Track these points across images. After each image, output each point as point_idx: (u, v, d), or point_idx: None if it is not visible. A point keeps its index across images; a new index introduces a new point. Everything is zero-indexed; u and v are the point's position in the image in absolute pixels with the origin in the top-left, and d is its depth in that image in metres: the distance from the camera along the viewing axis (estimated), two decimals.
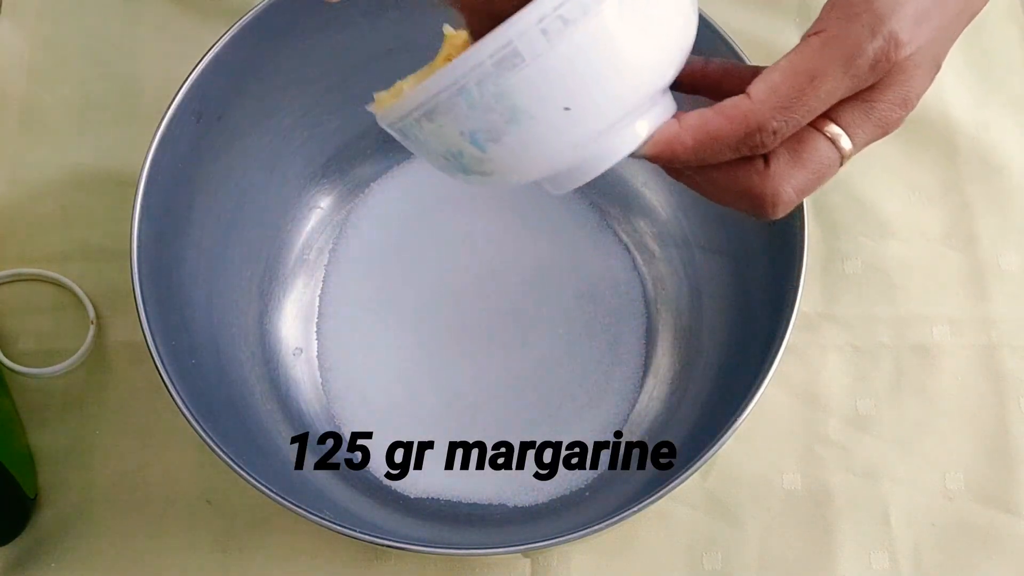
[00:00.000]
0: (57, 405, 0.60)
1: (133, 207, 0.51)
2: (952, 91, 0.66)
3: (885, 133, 0.41)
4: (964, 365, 0.60)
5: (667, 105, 0.41)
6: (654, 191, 0.62)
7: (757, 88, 0.39)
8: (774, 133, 0.39)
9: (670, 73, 0.39)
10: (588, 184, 0.66)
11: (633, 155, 0.40)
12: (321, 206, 0.63)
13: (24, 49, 0.68)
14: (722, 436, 0.47)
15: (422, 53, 0.59)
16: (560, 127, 0.38)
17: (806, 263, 0.50)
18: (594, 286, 0.61)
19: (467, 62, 0.36)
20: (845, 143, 0.40)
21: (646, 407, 0.59)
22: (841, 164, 0.41)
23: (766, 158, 0.40)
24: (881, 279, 0.62)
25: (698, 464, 0.46)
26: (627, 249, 0.62)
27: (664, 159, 0.40)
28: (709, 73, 0.42)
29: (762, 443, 0.58)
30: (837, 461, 0.58)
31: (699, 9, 0.42)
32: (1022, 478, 0.58)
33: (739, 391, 0.49)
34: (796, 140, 0.40)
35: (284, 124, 0.59)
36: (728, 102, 0.39)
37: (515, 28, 0.36)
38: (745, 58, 0.52)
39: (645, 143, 0.40)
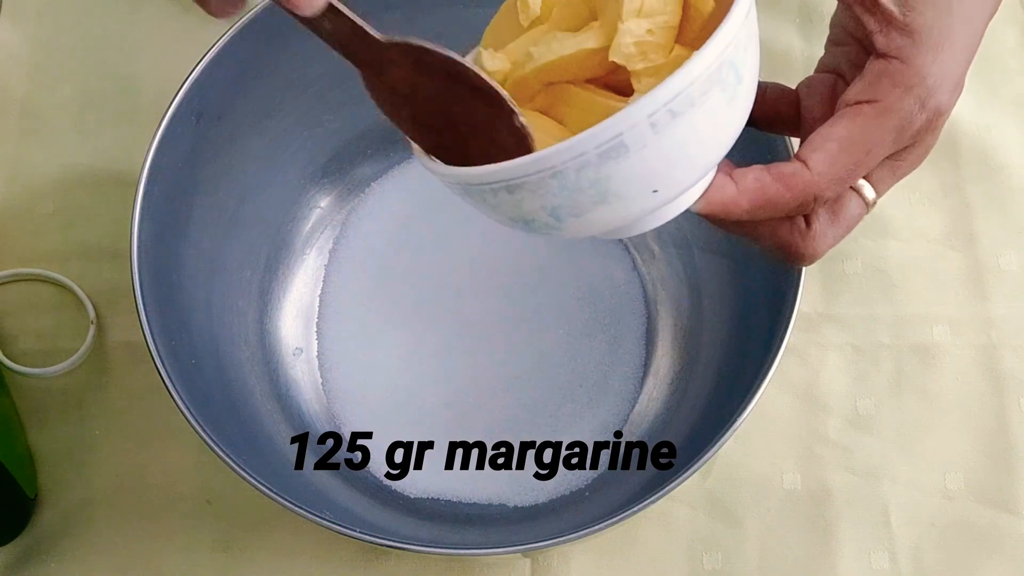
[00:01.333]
0: (57, 405, 0.60)
1: (133, 207, 0.51)
2: None
3: (897, 182, 0.43)
4: (964, 365, 0.60)
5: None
6: None
7: (817, 159, 0.40)
8: (826, 201, 0.40)
9: (726, 151, 0.40)
10: None
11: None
12: (321, 206, 0.63)
13: (24, 49, 0.68)
14: (722, 436, 0.47)
15: None
16: (644, 205, 0.38)
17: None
18: (594, 286, 0.61)
19: (571, 151, 0.36)
20: (871, 196, 0.42)
21: (646, 407, 0.59)
22: (867, 211, 0.43)
23: (807, 218, 0.42)
24: (881, 279, 0.62)
25: (698, 464, 0.46)
26: (627, 249, 0.62)
27: (716, 218, 0.41)
28: (768, 99, 0.43)
29: (762, 443, 0.58)
30: (837, 461, 0.58)
31: None
32: (1022, 478, 0.58)
33: (739, 391, 0.49)
34: (834, 200, 0.42)
35: (284, 124, 0.59)
36: (787, 169, 0.40)
37: (627, 121, 0.36)
38: None
39: (699, 200, 0.41)
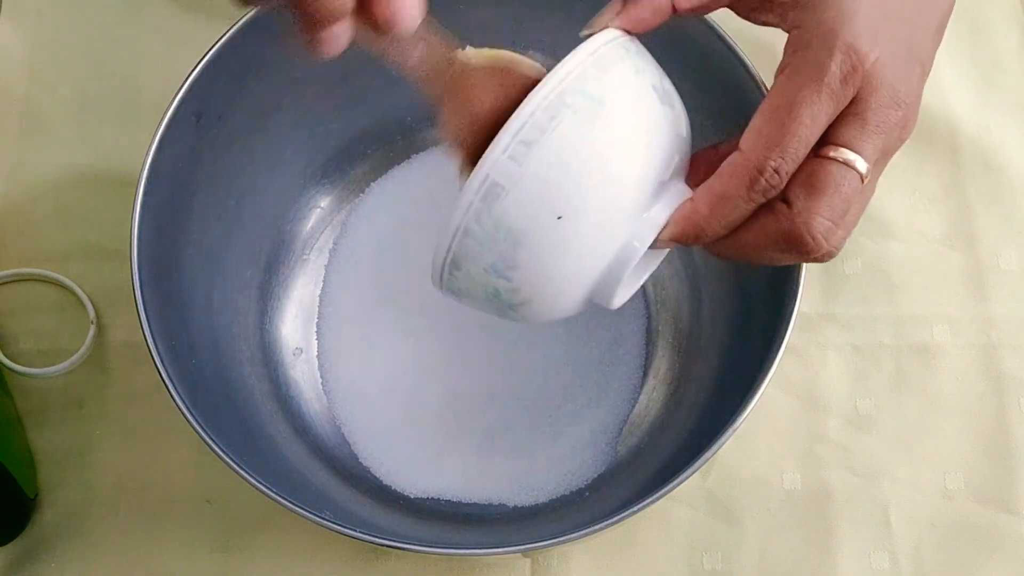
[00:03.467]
0: (57, 405, 0.60)
1: (133, 207, 0.51)
2: (953, 92, 0.66)
3: (894, 138, 0.42)
4: (964, 365, 0.60)
5: (678, 192, 0.42)
6: None
7: (745, 139, 0.41)
8: (776, 172, 0.40)
9: (656, 165, 0.41)
10: None
11: (659, 245, 0.42)
12: (321, 206, 0.63)
13: (24, 49, 0.68)
14: (722, 436, 0.47)
15: None
16: (560, 236, 0.40)
17: (806, 263, 0.50)
18: None
19: (460, 206, 0.40)
20: (856, 161, 0.41)
21: (646, 407, 0.59)
22: (863, 181, 0.41)
23: (785, 199, 0.41)
24: (881, 279, 0.62)
25: (698, 464, 0.46)
26: None
27: (691, 236, 0.42)
28: (723, 155, 0.43)
29: (762, 443, 0.58)
30: (837, 461, 0.58)
31: None
32: (1022, 478, 0.58)
33: (739, 391, 0.49)
34: (807, 174, 0.41)
35: (284, 124, 0.59)
36: (725, 162, 0.41)
37: (487, 162, 0.39)
38: (745, 58, 0.52)
39: (664, 229, 0.42)
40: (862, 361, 0.60)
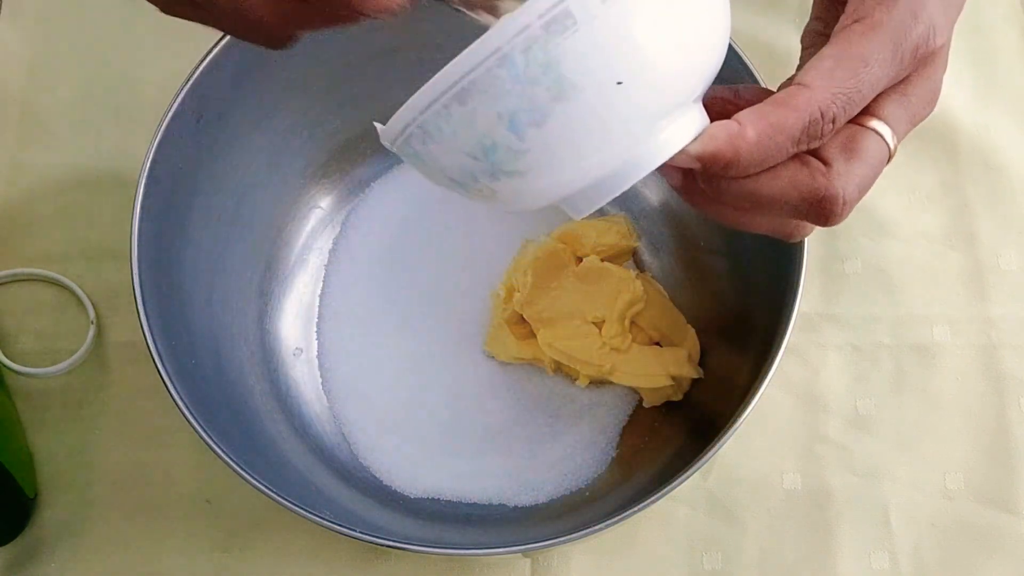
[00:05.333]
0: (57, 405, 0.60)
1: (133, 207, 0.51)
2: (953, 92, 0.66)
3: (915, 125, 0.41)
4: (964, 365, 0.60)
5: (703, 116, 0.38)
6: (654, 191, 0.62)
7: (811, 75, 0.37)
8: (832, 121, 0.37)
9: (714, 66, 0.37)
10: None
11: (678, 160, 0.37)
12: (321, 206, 0.63)
13: (24, 49, 0.68)
14: (722, 436, 0.47)
15: (422, 53, 0.59)
16: (607, 104, 0.34)
17: (806, 263, 0.50)
18: None
19: (513, 25, 0.33)
20: (890, 136, 0.39)
21: (646, 407, 0.59)
22: (888, 160, 0.40)
23: (821, 157, 0.38)
24: (881, 279, 0.62)
25: (698, 464, 0.46)
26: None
27: (722, 160, 0.37)
28: (742, 104, 0.40)
29: (762, 443, 0.58)
30: (837, 461, 0.58)
31: None
32: (1022, 478, 0.58)
33: (739, 391, 0.49)
34: (846, 138, 0.39)
35: (284, 124, 0.59)
36: (784, 92, 0.37)
37: None
38: (745, 58, 0.52)
39: (693, 142, 0.37)
40: (862, 361, 0.60)
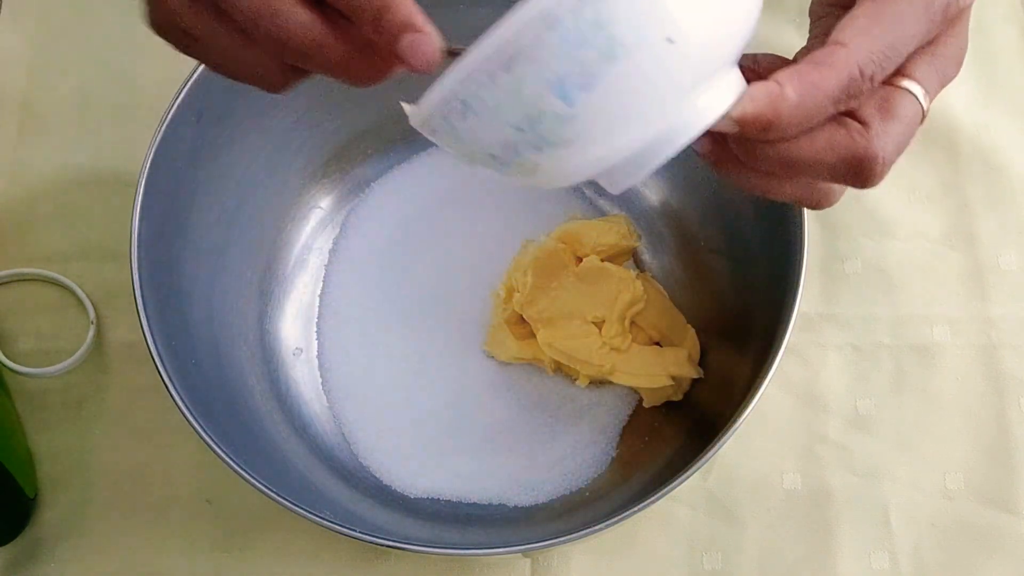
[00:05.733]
0: (57, 405, 0.60)
1: (133, 207, 0.51)
2: (953, 91, 0.65)
3: (942, 88, 0.40)
4: (964, 365, 0.60)
5: (740, 78, 0.37)
6: (654, 191, 0.62)
7: (847, 34, 0.37)
8: (871, 79, 0.37)
9: (753, 25, 0.36)
10: (588, 183, 0.66)
11: (719, 125, 0.36)
12: (321, 206, 0.63)
13: (24, 49, 0.68)
14: (722, 436, 0.47)
15: None
16: (660, 63, 0.33)
17: (806, 263, 0.50)
18: None
19: None
20: (923, 96, 0.39)
21: (646, 407, 0.59)
22: (922, 120, 0.39)
23: (858, 117, 0.38)
24: (881, 279, 0.62)
25: (698, 464, 0.46)
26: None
27: (762, 122, 0.36)
28: (762, 71, 0.39)
29: (762, 443, 0.58)
30: (837, 461, 0.58)
31: None
32: (1022, 478, 0.58)
33: (739, 391, 0.49)
34: (881, 98, 0.38)
35: (284, 124, 0.59)
36: (821, 52, 0.37)
37: None
38: None
39: (740, 101, 0.36)
40: (862, 361, 0.60)
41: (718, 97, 0.35)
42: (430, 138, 0.36)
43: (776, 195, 0.40)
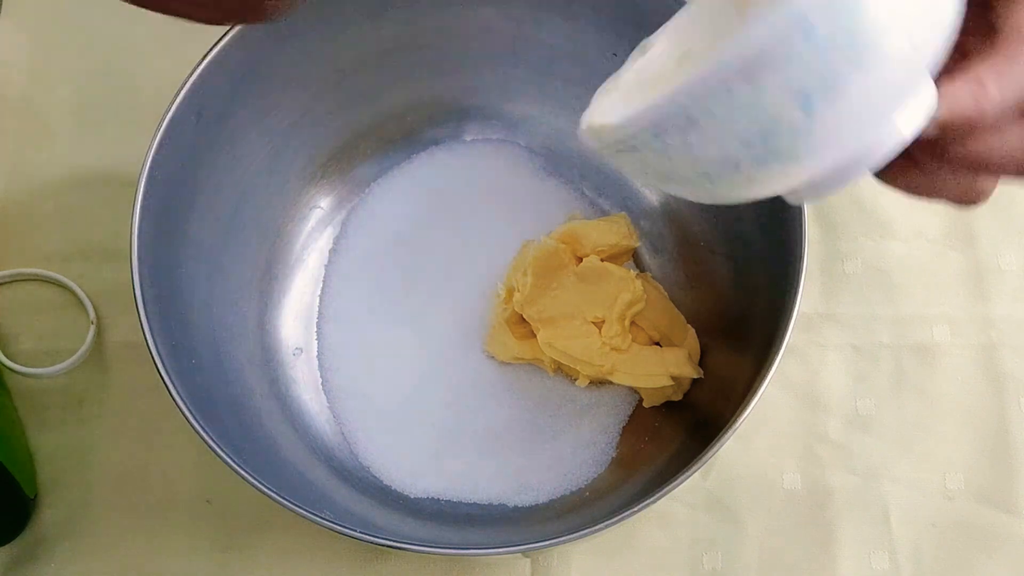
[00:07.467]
0: (57, 405, 0.60)
1: (133, 207, 0.51)
2: None
3: None
4: (964, 365, 0.60)
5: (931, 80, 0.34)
6: (654, 191, 0.62)
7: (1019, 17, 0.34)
8: None
9: (953, 31, 0.33)
10: (588, 184, 0.66)
11: (926, 131, 0.33)
12: (321, 206, 0.63)
13: (24, 49, 0.68)
14: (722, 436, 0.47)
15: (423, 53, 0.59)
16: (900, 65, 0.30)
17: (806, 263, 0.50)
18: None
19: None
20: None
21: (647, 407, 0.59)
22: None
23: None
24: (881, 279, 0.62)
25: (698, 464, 0.46)
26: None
27: (964, 124, 0.34)
28: None
29: (762, 443, 0.58)
30: (837, 461, 0.58)
31: None
32: (1022, 478, 0.58)
33: (739, 391, 0.49)
34: None
35: (284, 124, 0.59)
36: (1011, 46, 0.34)
37: None
38: None
39: (942, 101, 0.33)
40: (862, 361, 0.60)
41: (923, 101, 0.33)
42: (610, 158, 0.33)
43: (937, 195, 0.37)
